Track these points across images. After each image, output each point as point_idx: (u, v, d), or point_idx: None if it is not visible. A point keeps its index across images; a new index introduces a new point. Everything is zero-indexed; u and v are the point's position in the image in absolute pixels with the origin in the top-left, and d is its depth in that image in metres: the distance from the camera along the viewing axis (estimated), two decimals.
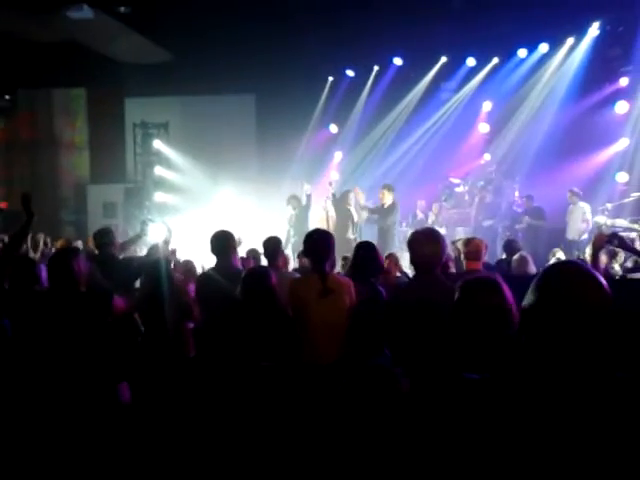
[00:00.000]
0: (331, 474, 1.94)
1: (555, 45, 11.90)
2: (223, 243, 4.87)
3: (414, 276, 3.72)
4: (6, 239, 6.32)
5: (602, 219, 9.87)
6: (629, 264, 6.92)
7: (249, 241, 7.53)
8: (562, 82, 11.90)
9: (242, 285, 3.83)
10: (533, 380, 1.66)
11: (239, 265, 5.18)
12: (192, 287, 4.60)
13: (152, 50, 12.46)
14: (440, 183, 12.19)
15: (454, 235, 10.12)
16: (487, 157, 12.59)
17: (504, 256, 6.99)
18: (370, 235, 9.67)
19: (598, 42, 11.39)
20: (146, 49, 12.40)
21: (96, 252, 6.05)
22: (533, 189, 11.06)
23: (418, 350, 3.16)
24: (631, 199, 10.15)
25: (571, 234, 10.37)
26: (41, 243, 9.26)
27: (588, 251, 6.27)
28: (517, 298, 2.28)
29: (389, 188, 10.19)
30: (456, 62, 12.68)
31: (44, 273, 4.03)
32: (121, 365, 3.41)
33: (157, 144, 13.88)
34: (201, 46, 11.40)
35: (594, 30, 11.32)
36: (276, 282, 3.87)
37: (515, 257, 6.13)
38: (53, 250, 8.74)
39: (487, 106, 12.77)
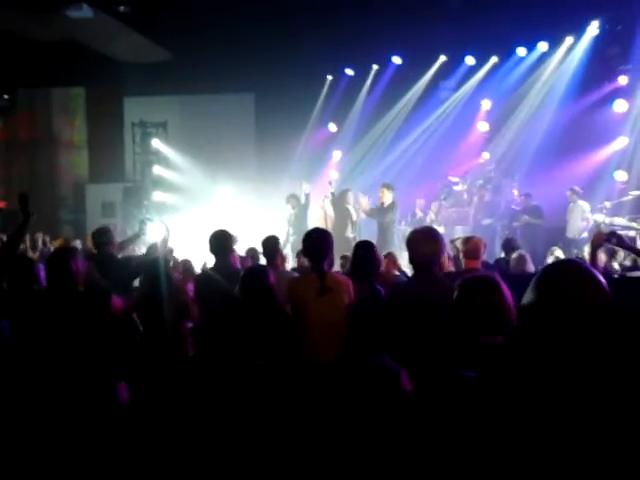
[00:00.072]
0: (330, 472, 1.94)
1: (554, 44, 11.89)
2: (222, 243, 4.89)
3: (413, 275, 3.72)
4: (4, 238, 6.31)
5: (601, 217, 9.87)
6: (628, 262, 6.92)
7: (248, 240, 7.54)
8: (561, 81, 11.89)
9: (240, 284, 3.83)
10: (531, 378, 1.66)
11: (238, 264, 5.19)
12: (190, 286, 4.60)
13: (151, 49, 12.45)
14: (439, 182, 12.19)
15: (453, 234, 10.11)
16: (486, 156, 12.59)
17: (503, 255, 6.99)
18: (369, 234, 9.66)
19: (597, 41, 11.39)
20: (145, 48, 12.39)
21: (94, 251, 6.05)
22: (532, 187, 11.06)
23: (417, 349, 3.16)
24: (630, 197, 10.15)
25: (571, 233, 10.37)
26: (40, 242, 9.26)
27: (587, 249, 6.27)
28: (516, 297, 2.28)
29: (389, 187, 10.20)
30: (455, 61, 12.66)
31: (42, 272, 4.03)
32: (119, 365, 3.41)
33: (156, 143, 13.87)
34: (200, 45, 11.39)
35: (593, 29, 11.31)
36: (274, 281, 3.87)
37: (514, 256, 6.13)
38: (52, 249, 8.73)
39: (486, 105, 12.76)
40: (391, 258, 5.62)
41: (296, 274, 5.15)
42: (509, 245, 6.89)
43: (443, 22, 10.40)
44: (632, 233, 8.88)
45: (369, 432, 1.89)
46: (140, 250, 7.30)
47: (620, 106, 11.01)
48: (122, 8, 10.60)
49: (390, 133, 13.20)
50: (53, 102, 15.11)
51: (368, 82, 13.39)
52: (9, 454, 3.05)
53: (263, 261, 5.63)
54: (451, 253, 5.94)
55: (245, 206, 12.49)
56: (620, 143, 10.98)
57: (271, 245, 5.36)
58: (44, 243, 9.52)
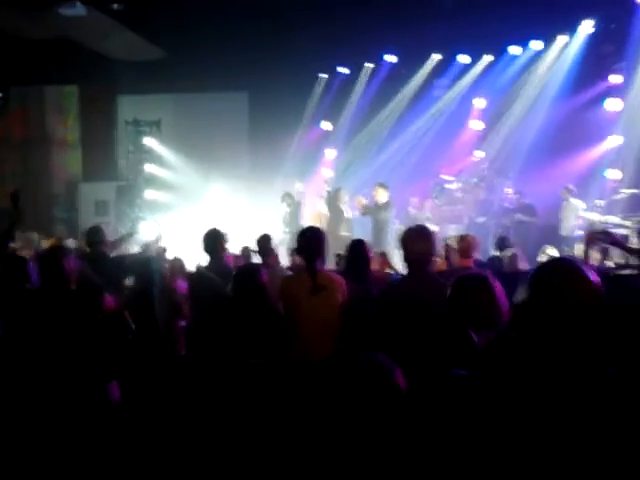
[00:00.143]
0: (325, 470, 1.94)
1: (548, 42, 11.91)
2: (214, 241, 4.90)
3: (406, 273, 3.72)
4: None
5: (593, 216, 9.90)
6: (620, 260, 6.94)
7: (241, 239, 7.52)
8: (555, 79, 11.91)
9: (233, 283, 3.83)
10: (524, 376, 1.66)
11: (231, 263, 5.19)
12: (183, 285, 4.59)
13: (145, 47, 12.41)
14: (432, 180, 12.21)
15: (447, 232, 10.13)
16: (480, 154, 12.61)
17: (496, 253, 7.00)
18: (362, 232, 9.66)
19: (591, 39, 11.40)
20: (139, 46, 12.35)
21: (87, 250, 6.03)
22: (526, 186, 11.09)
23: (410, 346, 3.16)
24: (622, 196, 10.18)
25: (565, 231, 10.40)
26: (32, 241, 9.21)
27: (580, 248, 6.28)
28: (509, 294, 2.28)
29: (383, 186, 10.22)
30: (449, 59, 12.66)
31: (35, 271, 4.01)
32: (111, 363, 3.40)
33: (149, 142, 13.84)
34: (194, 43, 11.37)
35: (587, 27, 11.33)
36: (267, 279, 3.87)
37: (507, 254, 6.15)
38: (44, 248, 8.69)
39: (480, 103, 12.77)
40: (384, 256, 5.62)
41: (289, 272, 5.15)
42: (502, 243, 6.91)
43: (437, 20, 10.39)
44: (624, 231, 8.90)
45: (363, 430, 1.88)
46: (133, 249, 7.27)
47: (613, 104, 11.03)
48: (115, 6, 10.56)
49: (384, 131, 13.20)
50: (46, 100, 15.04)
51: (362, 80, 13.39)
52: (1, 452, 3.03)
53: (257, 259, 5.63)
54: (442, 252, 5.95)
55: (238, 204, 12.48)
56: (613, 141, 11.01)
57: (264, 243, 5.36)
58: (37, 242, 9.47)
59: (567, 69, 11.72)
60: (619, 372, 1.64)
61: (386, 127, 13.18)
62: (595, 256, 6.01)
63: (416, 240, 3.49)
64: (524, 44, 12.04)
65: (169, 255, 6.63)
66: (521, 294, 1.72)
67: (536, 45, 11.99)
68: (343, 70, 13.43)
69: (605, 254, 6.48)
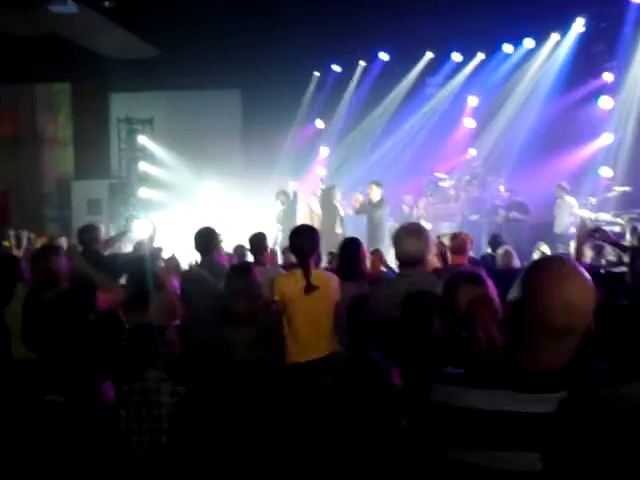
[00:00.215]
0: (319, 470, 1.94)
1: (540, 40, 11.95)
2: (207, 240, 4.89)
3: (399, 271, 3.72)
4: None
5: (586, 213, 9.94)
6: (613, 258, 6.97)
7: (234, 237, 7.51)
8: (547, 77, 11.95)
9: (225, 281, 3.83)
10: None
11: (223, 261, 5.18)
12: (176, 283, 4.58)
13: (137, 45, 12.37)
14: (425, 178, 12.23)
15: (440, 230, 10.15)
16: (473, 152, 12.63)
17: (489, 250, 7.02)
18: (356, 230, 9.67)
19: (582, 38, 11.45)
20: (131, 44, 12.31)
21: (80, 249, 6.01)
22: (518, 184, 11.12)
23: (403, 344, 3.16)
24: (614, 193, 10.23)
25: (559, 228, 10.44)
26: (24, 240, 9.17)
27: (571, 245, 6.30)
28: (502, 292, 2.28)
29: (377, 184, 10.24)
30: (442, 57, 12.69)
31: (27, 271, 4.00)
32: (105, 364, 3.38)
33: (142, 139, 13.80)
34: (186, 41, 11.34)
35: (578, 26, 11.37)
36: (259, 277, 3.86)
37: (499, 251, 6.17)
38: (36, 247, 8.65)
39: (473, 101, 12.80)
40: (378, 254, 5.62)
41: (283, 271, 5.14)
42: (495, 241, 6.92)
43: (430, 18, 10.41)
44: (617, 229, 8.94)
45: (358, 429, 1.88)
46: (126, 248, 7.25)
47: (605, 103, 11.08)
48: (107, 3, 10.51)
49: (377, 129, 13.21)
50: (37, 98, 14.98)
51: (355, 78, 13.40)
52: None
53: (250, 258, 5.62)
54: (437, 249, 5.96)
55: (231, 202, 12.46)
56: (605, 139, 11.05)
57: (258, 242, 5.35)
58: (29, 241, 9.42)
59: (559, 67, 11.77)
60: (607, 369, 1.64)
61: (380, 125, 13.19)
62: (588, 253, 6.03)
63: (409, 238, 3.50)
64: (517, 42, 12.07)
65: (164, 254, 6.61)
66: (514, 291, 1.72)
67: (528, 43, 12.02)
68: (336, 68, 13.44)
69: (598, 251, 6.51)
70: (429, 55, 12.71)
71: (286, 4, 10.11)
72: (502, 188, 11.34)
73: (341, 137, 13.48)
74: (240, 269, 3.98)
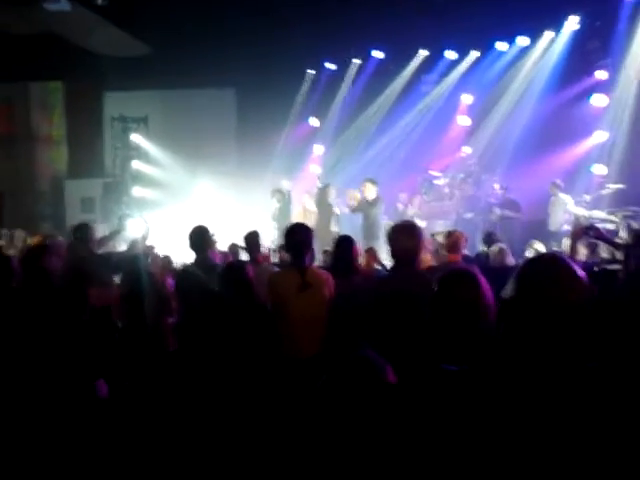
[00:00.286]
0: (314, 467, 1.94)
1: (534, 38, 11.97)
2: (201, 238, 4.89)
3: (393, 268, 3.73)
4: None
5: (580, 211, 9.96)
6: (606, 255, 6.98)
7: (228, 235, 7.50)
8: (541, 75, 11.96)
9: (219, 279, 3.82)
10: (510, 371, 1.67)
11: (217, 259, 5.18)
12: (170, 281, 4.58)
13: (131, 43, 12.32)
14: (420, 176, 12.24)
15: (434, 228, 10.16)
16: (467, 150, 12.64)
17: (484, 248, 7.03)
18: (351, 228, 9.67)
19: (576, 35, 11.46)
20: (125, 42, 12.26)
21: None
22: (513, 181, 11.14)
23: (397, 342, 3.16)
24: (608, 191, 10.25)
25: (553, 226, 10.45)
26: (19, 240, 9.15)
27: (565, 242, 6.31)
28: (496, 289, 2.29)
29: (372, 182, 10.23)
30: (436, 55, 12.69)
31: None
32: (98, 361, 3.38)
33: (136, 138, 13.76)
34: (181, 39, 11.30)
35: (572, 24, 11.38)
36: (254, 276, 3.87)
37: (494, 249, 6.18)
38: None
39: (467, 99, 12.81)
40: (372, 252, 5.63)
41: (277, 269, 5.14)
42: (489, 239, 6.93)
43: (424, 16, 10.41)
44: (611, 226, 8.96)
45: (353, 427, 1.88)
46: (120, 246, 7.24)
47: (599, 100, 11.10)
48: (100, 1, 10.45)
49: (372, 127, 13.21)
50: (31, 96, 14.91)
51: (349, 76, 13.38)
52: None
53: (245, 256, 5.62)
54: (431, 247, 5.97)
55: (225, 201, 12.45)
56: (599, 137, 11.08)
57: (252, 240, 5.35)
58: (24, 240, 9.39)
59: (553, 65, 11.78)
60: (598, 366, 1.64)
61: (374, 123, 13.19)
62: (582, 251, 6.05)
63: (403, 236, 3.51)
64: (511, 40, 12.08)
65: (156, 252, 6.60)
66: (508, 289, 1.72)
67: (523, 41, 12.03)
68: (331, 66, 13.42)
69: (592, 249, 6.53)
70: (423, 53, 12.70)
71: (281, 3, 10.09)
72: (497, 186, 11.37)
73: (336, 135, 13.48)
74: (234, 267, 3.98)
